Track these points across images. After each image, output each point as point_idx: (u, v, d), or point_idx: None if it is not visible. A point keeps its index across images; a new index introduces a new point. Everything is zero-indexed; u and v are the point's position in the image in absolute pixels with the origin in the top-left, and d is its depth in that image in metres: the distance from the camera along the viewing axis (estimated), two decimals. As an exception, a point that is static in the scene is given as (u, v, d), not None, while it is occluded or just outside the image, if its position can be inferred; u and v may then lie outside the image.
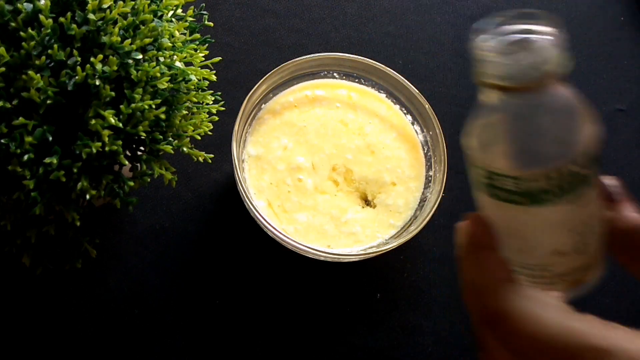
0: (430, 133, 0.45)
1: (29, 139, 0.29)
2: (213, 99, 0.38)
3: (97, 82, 0.30)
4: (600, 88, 0.55)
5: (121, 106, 0.31)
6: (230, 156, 0.41)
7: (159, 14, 0.35)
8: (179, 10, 0.36)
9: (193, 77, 0.36)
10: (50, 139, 0.30)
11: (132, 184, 0.34)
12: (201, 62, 0.37)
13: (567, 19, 0.58)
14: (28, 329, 0.42)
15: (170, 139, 0.35)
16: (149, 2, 0.34)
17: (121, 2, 0.32)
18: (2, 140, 0.29)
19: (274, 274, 0.45)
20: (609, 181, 0.28)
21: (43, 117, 0.30)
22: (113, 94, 0.31)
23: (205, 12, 0.40)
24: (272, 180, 0.44)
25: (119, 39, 0.31)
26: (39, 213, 0.31)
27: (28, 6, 0.30)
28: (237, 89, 0.49)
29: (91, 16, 0.31)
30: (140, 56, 0.32)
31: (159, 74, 0.33)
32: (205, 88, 0.38)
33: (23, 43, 0.29)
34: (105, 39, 0.31)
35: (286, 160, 0.45)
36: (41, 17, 0.30)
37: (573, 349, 0.23)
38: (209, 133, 0.38)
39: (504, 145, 0.25)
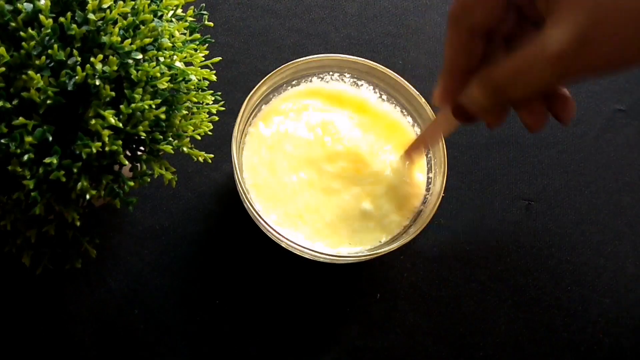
0: (430, 133, 0.45)
1: (29, 139, 0.29)
2: (213, 99, 0.38)
3: (97, 82, 0.30)
4: (600, 88, 0.55)
5: (121, 106, 0.31)
6: (230, 156, 0.41)
7: (159, 14, 0.35)
8: (179, 10, 0.36)
9: (193, 77, 0.36)
10: (50, 139, 0.30)
11: (132, 184, 0.34)
12: (201, 62, 0.37)
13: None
14: (28, 329, 0.42)
15: (170, 139, 0.35)
16: (149, 2, 0.34)
17: (121, 2, 0.32)
18: (2, 140, 0.29)
19: (273, 274, 0.45)
20: None
21: (43, 117, 0.30)
22: (113, 94, 0.31)
23: (205, 12, 0.40)
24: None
25: (119, 39, 0.31)
26: (39, 213, 0.31)
27: (28, 6, 0.30)
28: (237, 89, 0.49)
29: (91, 16, 0.31)
30: (140, 56, 0.32)
31: (159, 74, 0.33)
32: (205, 88, 0.38)
33: (23, 43, 0.29)
34: (105, 39, 0.31)
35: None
36: (41, 17, 0.30)
37: None
38: (209, 133, 0.38)
39: None
